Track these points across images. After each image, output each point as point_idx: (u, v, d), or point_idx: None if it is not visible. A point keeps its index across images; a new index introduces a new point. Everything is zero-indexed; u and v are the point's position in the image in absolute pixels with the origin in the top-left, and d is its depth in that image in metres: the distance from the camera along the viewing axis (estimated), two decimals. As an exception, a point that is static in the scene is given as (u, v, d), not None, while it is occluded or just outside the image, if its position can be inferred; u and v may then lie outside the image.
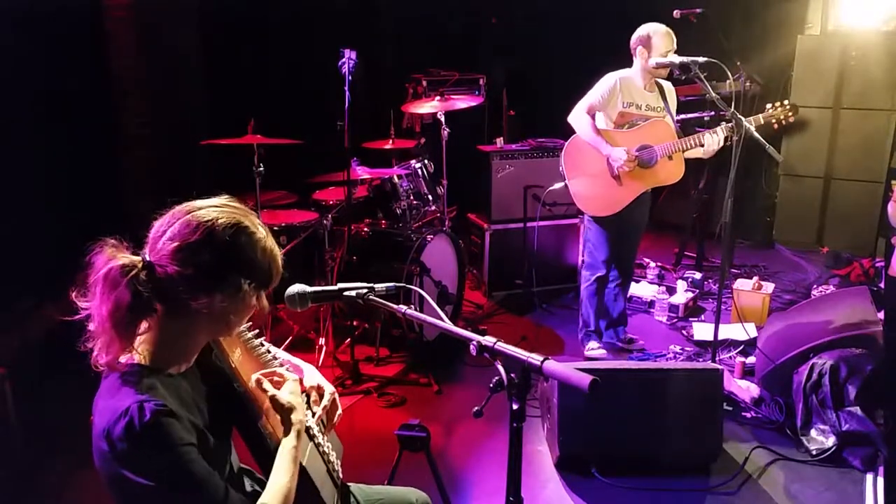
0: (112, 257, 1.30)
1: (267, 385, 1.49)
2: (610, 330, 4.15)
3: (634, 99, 3.73)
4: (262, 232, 1.40)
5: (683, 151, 3.69)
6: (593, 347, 4.01)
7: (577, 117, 3.75)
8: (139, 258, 1.32)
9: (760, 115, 3.52)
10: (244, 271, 1.36)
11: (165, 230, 1.33)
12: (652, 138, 3.72)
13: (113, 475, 1.25)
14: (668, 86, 3.83)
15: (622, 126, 3.75)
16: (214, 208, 1.37)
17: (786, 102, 3.55)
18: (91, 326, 1.31)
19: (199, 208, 1.36)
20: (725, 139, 3.54)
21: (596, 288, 3.97)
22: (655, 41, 3.59)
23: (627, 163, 3.63)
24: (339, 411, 1.69)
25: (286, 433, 1.46)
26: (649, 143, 3.71)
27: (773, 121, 3.54)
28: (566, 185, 3.84)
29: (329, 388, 1.67)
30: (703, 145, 3.62)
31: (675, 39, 3.60)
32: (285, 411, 1.47)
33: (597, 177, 3.77)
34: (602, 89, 3.71)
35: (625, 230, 3.91)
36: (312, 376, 1.69)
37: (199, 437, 1.31)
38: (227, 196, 1.44)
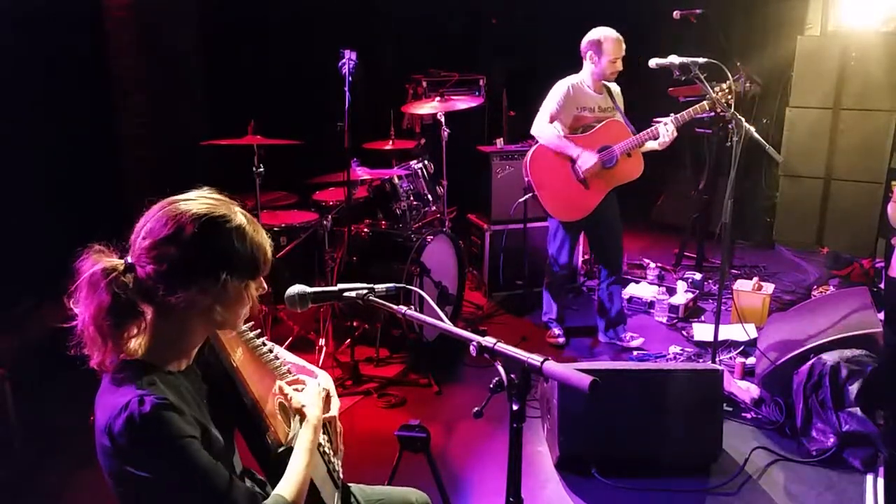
0: (96, 262, 1.30)
1: (287, 389, 1.57)
2: (610, 330, 4.17)
3: (587, 103, 3.85)
4: (240, 220, 1.37)
5: (640, 146, 3.78)
6: (554, 335, 4.19)
7: (541, 128, 3.86)
8: (121, 261, 1.32)
9: (705, 103, 3.52)
10: (220, 262, 1.33)
11: (142, 229, 1.33)
12: (609, 139, 3.82)
13: (116, 471, 1.25)
14: (614, 87, 3.95)
15: (577, 130, 3.86)
16: (189, 201, 1.35)
17: (724, 85, 3.43)
18: (78, 330, 1.31)
19: (174, 202, 1.35)
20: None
21: (554, 283, 4.18)
22: (606, 46, 3.72)
23: (594, 168, 3.76)
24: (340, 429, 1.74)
25: (304, 426, 1.51)
26: (608, 144, 3.81)
27: (718, 108, 3.45)
28: (535, 196, 3.94)
29: (335, 403, 1.71)
30: (657, 138, 3.72)
31: (624, 46, 3.74)
32: (302, 407, 1.54)
33: (563, 183, 3.88)
34: (557, 97, 3.83)
35: (601, 231, 4.06)
36: (325, 381, 1.72)
37: (202, 432, 1.30)
38: (207, 188, 1.41)
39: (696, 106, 3.58)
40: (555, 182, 3.90)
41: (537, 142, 3.94)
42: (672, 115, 3.68)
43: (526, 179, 3.97)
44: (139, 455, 1.23)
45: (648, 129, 3.73)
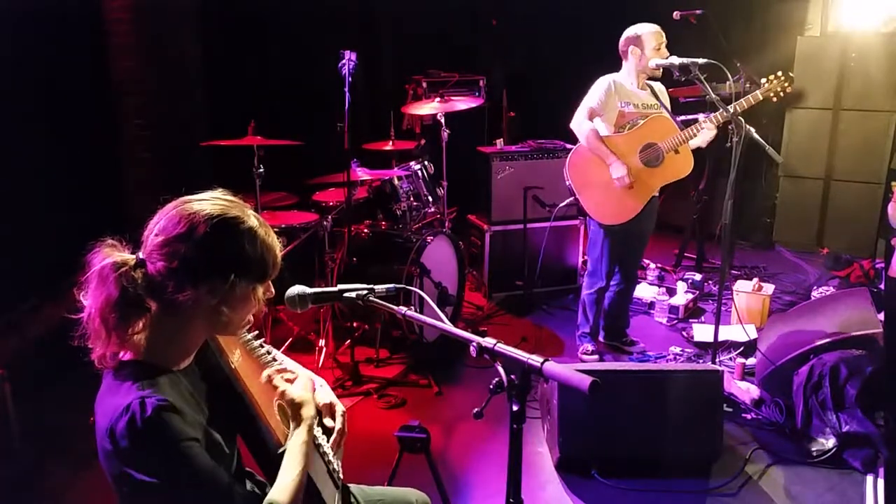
0: (108, 255, 1.31)
1: (278, 381, 1.49)
2: (612, 333, 4.15)
3: (630, 98, 3.70)
4: (252, 223, 1.38)
5: (688, 142, 3.64)
6: (588, 351, 4.00)
7: (579, 124, 3.68)
8: (132, 257, 1.33)
9: (758, 92, 3.50)
10: (231, 264, 1.34)
11: (155, 226, 1.34)
12: (655, 135, 3.66)
13: (118, 473, 1.25)
14: (658, 86, 3.81)
15: (622, 127, 3.71)
16: (203, 201, 1.36)
17: (779, 73, 3.53)
18: (84, 321, 1.32)
19: (188, 202, 1.36)
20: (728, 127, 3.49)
21: (596, 298, 3.94)
22: (646, 37, 3.60)
23: (625, 179, 3.59)
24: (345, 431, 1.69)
25: (297, 427, 1.44)
26: (653, 141, 3.66)
27: (772, 94, 3.51)
28: (577, 199, 3.74)
29: (340, 409, 1.66)
30: (697, 134, 3.60)
31: (664, 34, 3.62)
32: (296, 406, 1.46)
33: (606, 184, 3.67)
34: (598, 92, 3.66)
35: (632, 237, 3.85)
36: (324, 394, 1.66)
37: (203, 433, 1.30)
38: (221, 189, 1.42)
39: (744, 99, 3.45)
40: (597, 183, 3.67)
41: (578, 143, 3.74)
42: (706, 114, 3.56)
43: (567, 183, 3.74)
44: (141, 457, 1.22)
45: (694, 125, 3.58)
